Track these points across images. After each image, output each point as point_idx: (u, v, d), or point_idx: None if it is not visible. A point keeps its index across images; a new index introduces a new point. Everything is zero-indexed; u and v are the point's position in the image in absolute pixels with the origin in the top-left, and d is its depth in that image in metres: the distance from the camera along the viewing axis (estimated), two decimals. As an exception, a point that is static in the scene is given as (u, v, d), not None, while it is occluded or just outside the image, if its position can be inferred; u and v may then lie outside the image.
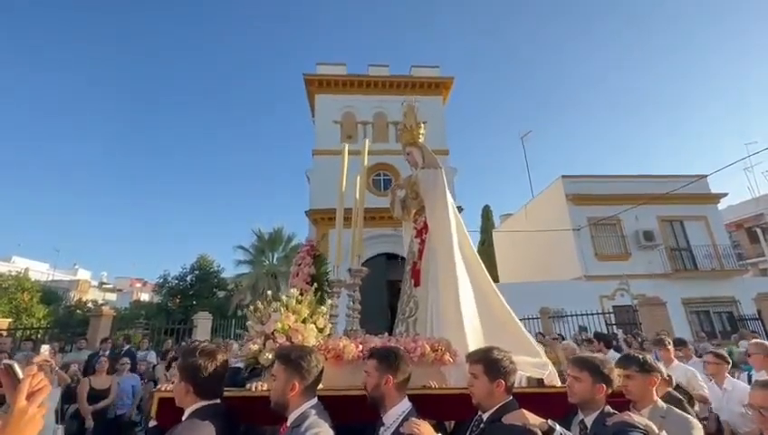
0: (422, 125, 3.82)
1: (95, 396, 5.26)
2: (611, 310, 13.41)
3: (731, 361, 3.91)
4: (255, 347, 2.17)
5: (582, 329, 11.00)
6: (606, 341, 6.85)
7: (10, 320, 12.91)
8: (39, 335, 11.84)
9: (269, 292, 2.41)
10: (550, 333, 10.73)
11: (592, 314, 12.03)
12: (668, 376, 2.61)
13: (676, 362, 4.25)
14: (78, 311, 24.13)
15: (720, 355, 3.82)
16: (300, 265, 2.99)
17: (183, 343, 9.27)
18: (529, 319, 12.37)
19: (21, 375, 0.97)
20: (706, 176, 16.04)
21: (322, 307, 2.44)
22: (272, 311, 2.25)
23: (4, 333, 9.73)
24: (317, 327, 2.32)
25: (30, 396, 0.93)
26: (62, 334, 12.18)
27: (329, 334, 2.45)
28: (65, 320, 20.34)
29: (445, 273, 2.99)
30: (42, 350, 4.58)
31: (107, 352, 7.19)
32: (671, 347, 4.34)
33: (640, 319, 11.57)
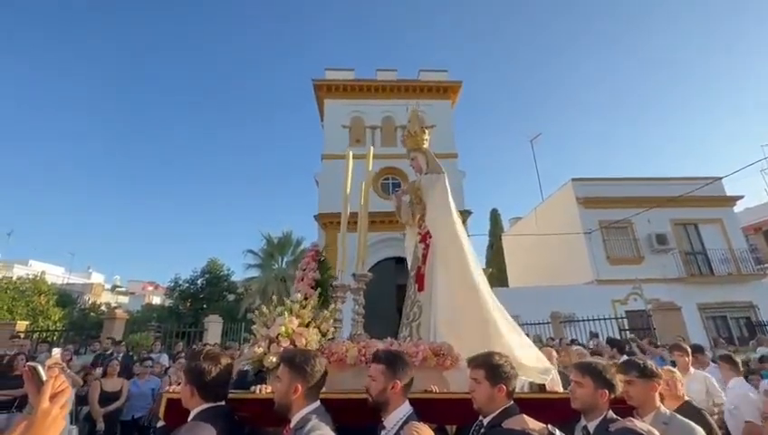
0: (426, 130, 3.84)
1: (106, 398, 5.31)
2: (624, 315, 13.18)
3: (738, 362, 3.88)
4: (260, 350, 2.21)
5: (594, 335, 10.82)
6: (619, 346, 6.74)
7: (27, 322, 13.22)
8: (55, 338, 12.12)
9: (274, 296, 2.45)
10: (562, 338, 10.60)
11: (604, 319, 11.84)
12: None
13: (692, 369, 4.10)
14: (92, 314, 24.63)
15: (728, 358, 3.84)
16: (305, 269, 3.04)
17: (194, 346, 9.37)
18: (539, 324, 12.24)
19: (44, 377, 1.00)
20: (721, 178, 15.70)
21: (326, 312, 2.47)
22: (276, 315, 2.29)
23: (22, 335, 9.99)
24: (320, 331, 2.35)
25: (53, 397, 0.96)
26: (77, 337, 12.42)
27: (332, 338, 2.49)
28: (80, 322, 20.76)
29: (446, 278, 2.99)
30: (53, 353, 4.70)
31: (120, 355, 7.33)
32: (689, 353, 4.18)
33: (654, 324, 11.35)
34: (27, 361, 5.94)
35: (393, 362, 1.88)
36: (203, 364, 1.67)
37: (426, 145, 3.78)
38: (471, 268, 3.02)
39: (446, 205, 3.31)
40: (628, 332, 12.05)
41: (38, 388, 0.98)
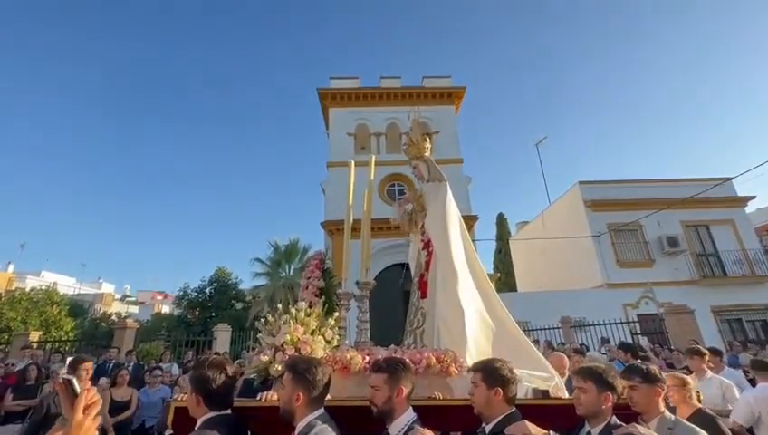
0: (428, 138, 3.86)
1: (116, 408, 5.32)
2: (636, 319, 12.96)
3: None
4: (266, 359, 2.24)
5: (605, 340, 10.66)
6: (632, 351, 6.64)
7: (40, 333, 13.41)
8: (67, 348, 12.28)
9: (278, 305, 2.48)
10: (572, 343, 10.45)
11: (616, 324, 11.65)
12: (696, 392, 2.53)
13: (709, 373, 4.02)
14: (103, 323, 24.87)
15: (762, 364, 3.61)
16: (309, 278, 3.06)
17: (203, 355, 9.36)
18: (550, 329, 12.09)
19: (78, 390, 1.04)
20: (731, 178, 15.45)
21: (330, 320, 2.49)
22: (281, 324, 2.32)
23: (35, 346, 10.15)
24: (325, 339, 2.37)
25: (86, 409, 1.01)
26: (89, 346, 12.56)
27: (336, 346, 2.50)
28: (91, 332, 20.96)
29: (449, 284, 2.99)
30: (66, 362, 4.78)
31: (131, 365, 7.40)
32: (705, 357, 4.08)
33: (667, 328, 11.13)
34: (40, 371, 6.04)
35: (395, 369, 1.89)
36: (207, 373, 1.69)
37: (427, 153, 3.80)
38: (476, 273, 3.02)
39: (447, 212, 3.31)
40: (640, 336, 11.85)
41: (72, 400, 1.01)
